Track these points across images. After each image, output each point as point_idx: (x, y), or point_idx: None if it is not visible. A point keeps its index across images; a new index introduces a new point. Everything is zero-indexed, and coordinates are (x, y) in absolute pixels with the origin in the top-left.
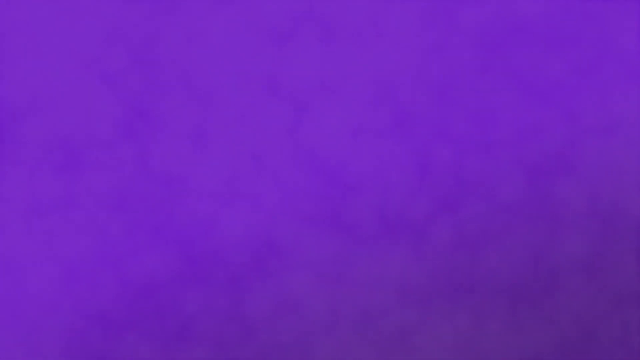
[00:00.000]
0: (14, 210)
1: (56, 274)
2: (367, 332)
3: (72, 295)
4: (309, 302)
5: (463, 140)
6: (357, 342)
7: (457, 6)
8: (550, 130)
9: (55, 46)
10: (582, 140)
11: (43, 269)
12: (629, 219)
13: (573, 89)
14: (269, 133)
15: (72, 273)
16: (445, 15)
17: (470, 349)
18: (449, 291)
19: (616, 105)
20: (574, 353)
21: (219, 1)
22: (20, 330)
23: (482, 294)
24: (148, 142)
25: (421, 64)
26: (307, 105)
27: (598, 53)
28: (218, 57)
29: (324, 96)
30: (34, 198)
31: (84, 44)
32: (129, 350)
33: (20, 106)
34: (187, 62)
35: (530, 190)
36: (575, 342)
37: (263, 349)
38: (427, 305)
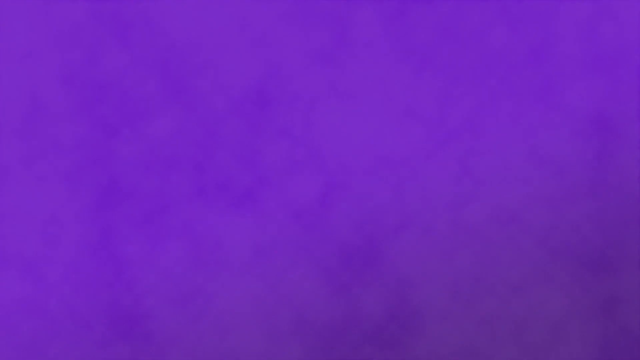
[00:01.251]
0: (13, 212)
1: (59, 275)
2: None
3: (73, 298)
4: (313, 303)
5: (464, 140)
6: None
7: (458, 6)
8: (550, 131)
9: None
10: (582, 140)
11: (45, 271)
12: (629, 219)
13: (574, 88)
14: (270, 132)
15: (74, 275)
16: (445, 16)
17: (470, 350)
18: (454, 289)
19: (616, 105)
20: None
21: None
22: (22, 332)
23: (483, 293)
24: (148, 143)
25: (421, 63)
26: (312, 103)
27: (598, 53)
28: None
29: (327, 94)
30: (34, 199)
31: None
32: (130, 352)
33: (13, 106)
34: (183, 62)
35: (531, 191)
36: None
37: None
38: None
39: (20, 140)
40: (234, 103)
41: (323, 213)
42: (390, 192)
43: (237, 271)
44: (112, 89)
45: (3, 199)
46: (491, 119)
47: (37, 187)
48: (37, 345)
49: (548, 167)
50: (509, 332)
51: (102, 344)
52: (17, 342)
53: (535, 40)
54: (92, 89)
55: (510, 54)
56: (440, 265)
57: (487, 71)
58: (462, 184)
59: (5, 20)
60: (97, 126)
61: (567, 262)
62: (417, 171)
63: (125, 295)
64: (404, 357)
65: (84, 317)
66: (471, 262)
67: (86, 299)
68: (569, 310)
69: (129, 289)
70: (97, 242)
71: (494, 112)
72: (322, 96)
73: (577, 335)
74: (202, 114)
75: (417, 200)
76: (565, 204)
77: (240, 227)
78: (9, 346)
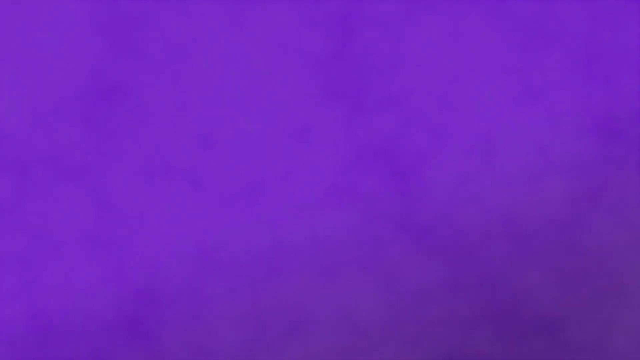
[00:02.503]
0: (13, 212)
1: (58, 276)
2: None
3: (73, 298)
4: (312, 303)
5: (464, 141)
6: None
7: (458, 7)
8: (550, 131)
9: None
10: (582, 140)
11: (44, 272)
12: (630, 219)
13: (573, 89)
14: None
15: (73, 275)
16: (445, 16)
17: (471, 350)
18: (456, 288)
19: (616, 105)
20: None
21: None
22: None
23: (483, 294)
24: (152, 141)
25: (423, 64)
26: (312, 103)
27: (599, 52)
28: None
29: (327, 94)
30: (34, 198)
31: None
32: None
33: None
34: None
35: (531, 191)
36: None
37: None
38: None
39: (19, 140)
40: (233, 102)
41: (323, 213)
42: (390, 193)
43: (237, 271)
44: (111, 88)
45: (3, 200)
46: (491, 119)
47: (37, 188)
48: (37, 345)
49: (548, 167)
50: (510, 332)
51: (101, 344)
52: (16, 342)
53: (535, 40)
54: (92, 90)
55: (510, 54)
56: (441, 265)
57: (487, 71)
58: (462, 185)
59: (6, 21)
60: (96, 126)
61: (567, 262)
62: (417, 171)
63: (125, 295)
64: (404, 358)
65: (83, 317)
66: (471, 262)
67: (86, 299)
68: (569, 310)
69: (129, 289)
70: (97, 243)
71: (494, 112)
72: (322, 96)
73: (577, 336)
74: (201, 114)
75: (418, 201)
76: (565, 204)
77: (240, 227)
78: (8, 346)
